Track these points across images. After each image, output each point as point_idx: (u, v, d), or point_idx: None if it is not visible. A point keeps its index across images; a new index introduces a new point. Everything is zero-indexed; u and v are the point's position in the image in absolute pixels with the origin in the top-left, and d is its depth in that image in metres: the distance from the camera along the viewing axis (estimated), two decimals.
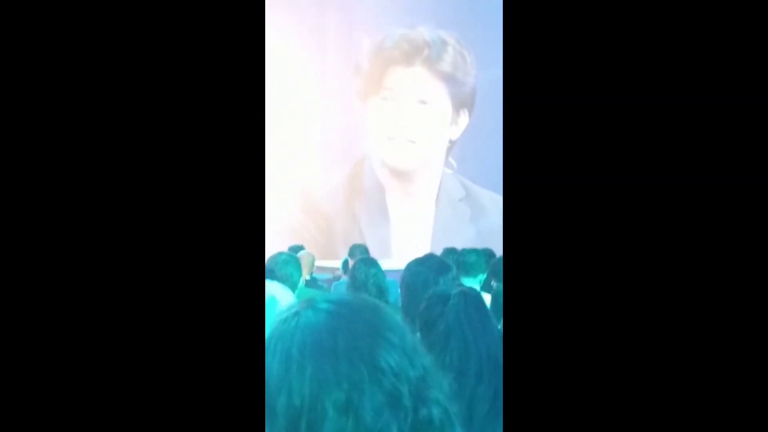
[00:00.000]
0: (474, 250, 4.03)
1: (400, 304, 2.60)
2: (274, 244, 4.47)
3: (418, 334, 2.02)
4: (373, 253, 4.99)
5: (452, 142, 8.38)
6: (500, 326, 2.49)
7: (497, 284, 3.72)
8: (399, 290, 2.66)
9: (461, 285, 2.28)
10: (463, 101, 8.30)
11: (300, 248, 5.09)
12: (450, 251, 4.43)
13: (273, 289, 3.29)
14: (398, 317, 0.97)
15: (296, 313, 0.94)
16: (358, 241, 6.50)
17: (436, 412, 0.91)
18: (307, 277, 4.79)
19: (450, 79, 8.25)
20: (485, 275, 3.88)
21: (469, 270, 3.77)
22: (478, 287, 3.53)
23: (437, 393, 0.93)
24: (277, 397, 0.90)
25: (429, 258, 2.75)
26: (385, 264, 3.83)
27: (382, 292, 3.48)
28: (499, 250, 5.35)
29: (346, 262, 5.35)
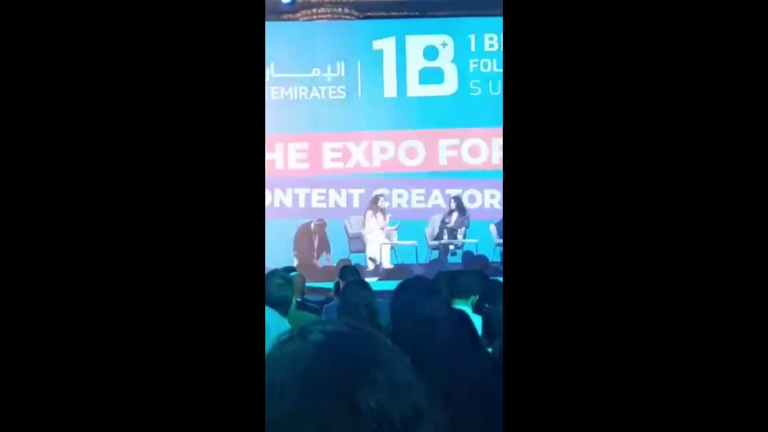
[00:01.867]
0: (466, 272, 4.02)
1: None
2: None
3: (408, 358, 1.99)
4: None
5: None
6: (490, 349, 2.47)
7: (490, 306, 3.70)
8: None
9: (450, 308, 2.27)
10: None
11: (291, 269, 5.07)
12: (443, 274, 4.42)
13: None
14: (393, 350, 0.93)
15: (286, 341, 0.91)
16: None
17: None
18: (298, 299, 4.77)
19: None
20: (477, 297, 3.86)
21: (461, 292, 3.75)
22: (470, 309, 3.51)
23: (428, 428, 0.89)
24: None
25: (418, 280, 2.74)
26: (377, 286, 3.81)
27: (373, 314, 3.45)
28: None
29: (337, 284, 5.33)
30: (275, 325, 3.24)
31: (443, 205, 10.37)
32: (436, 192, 10.64)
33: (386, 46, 10.70)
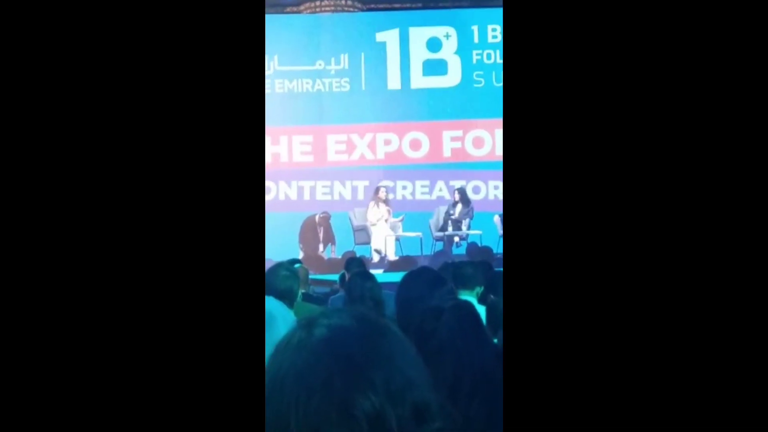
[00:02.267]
0: (471, 263, 4.02)
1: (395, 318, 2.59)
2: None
3: (414, 350, 1.99)
4: None
5: None
6: (496, 339, 2.48)
7: (494, 297, 3.70)
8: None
9: (455, 298, 2.27)
10: None
11: (296, 261, 5.08)
12: (447, 265, 4.42)
13: (270, 306, 3.27)
14: (400, 344, 0.91)
15: (294, 331, 0.91)
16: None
17: None
18: (303, 291, 4.78)
19: None
20: (482, 288, 3.86)
21: (466, 283, 3.75)
22: (474, 300, 3.52)
23: (430, 427, 0.87)
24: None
25: (424, 271, 2.74)
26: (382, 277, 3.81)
27: (378, 305, 3.46)
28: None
29: (343, 276, 5.34)
30: (282, 316, 3.25)
31: (447, 196, 10.35)
32: (440, 183, 10.63)
33: (389, 38, 10.67)
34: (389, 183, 10.31)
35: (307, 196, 10.66)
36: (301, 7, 10.77)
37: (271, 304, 3.28)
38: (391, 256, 9.51)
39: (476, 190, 10.53)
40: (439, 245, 9.84)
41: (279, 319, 3.24)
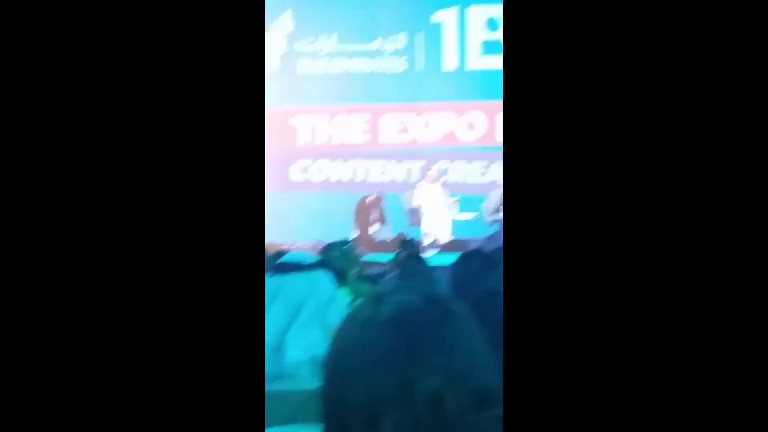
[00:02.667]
0: None
1: None
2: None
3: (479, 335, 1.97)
4: None
5: None
6: None
7: None
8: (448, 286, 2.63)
9: None
10: None
11: (348, 242, 5.11)
12: (501, 248, 4.39)
13: (324, 284, 3.29)
14: (467, 329, 0.90)
15: (363, 306, 0.91)
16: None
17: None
18: (356, 270, 4.81)
19: None
20: None
21: None
22: None
23: (490, 413, 0.87)
24: (321, 387, 0.88)
25: (477, 253, 2.72)
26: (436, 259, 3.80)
27: (431, 286, 3.46)
28: None
29: (396, 257, 5.35)
30: (334, 296, 3.28)
31: None
32: (496, 165, 10.55)
33: (447, 17, 10.60)
34: (443, 164, 10.27)
35: (361, 177, 10.70)
36: None
37: (326, 282, 3.30)
38: (445, 238, 9.50)
39: None
40: (494, 227, 9.78)
41: (333, 299, 3.27)
